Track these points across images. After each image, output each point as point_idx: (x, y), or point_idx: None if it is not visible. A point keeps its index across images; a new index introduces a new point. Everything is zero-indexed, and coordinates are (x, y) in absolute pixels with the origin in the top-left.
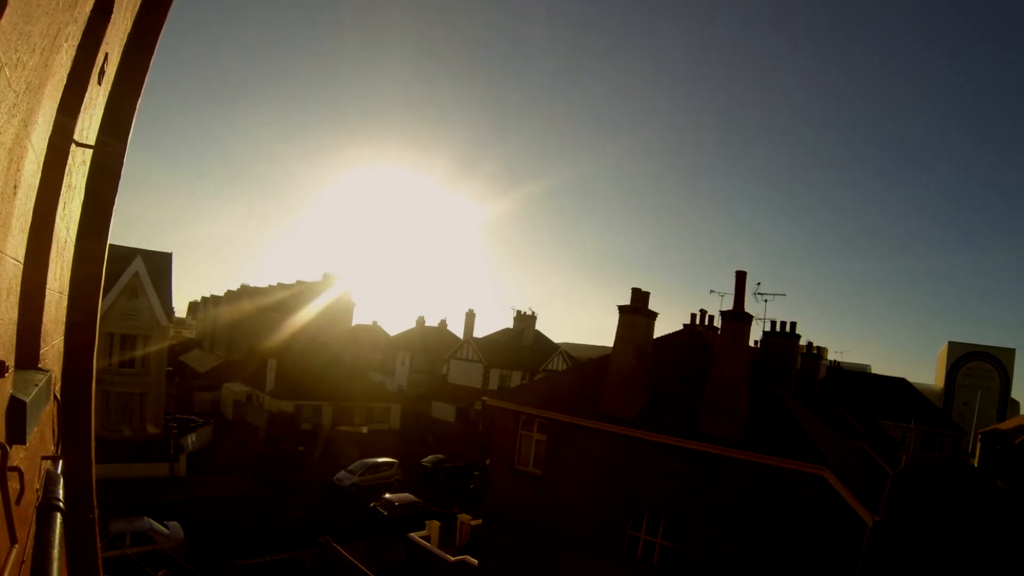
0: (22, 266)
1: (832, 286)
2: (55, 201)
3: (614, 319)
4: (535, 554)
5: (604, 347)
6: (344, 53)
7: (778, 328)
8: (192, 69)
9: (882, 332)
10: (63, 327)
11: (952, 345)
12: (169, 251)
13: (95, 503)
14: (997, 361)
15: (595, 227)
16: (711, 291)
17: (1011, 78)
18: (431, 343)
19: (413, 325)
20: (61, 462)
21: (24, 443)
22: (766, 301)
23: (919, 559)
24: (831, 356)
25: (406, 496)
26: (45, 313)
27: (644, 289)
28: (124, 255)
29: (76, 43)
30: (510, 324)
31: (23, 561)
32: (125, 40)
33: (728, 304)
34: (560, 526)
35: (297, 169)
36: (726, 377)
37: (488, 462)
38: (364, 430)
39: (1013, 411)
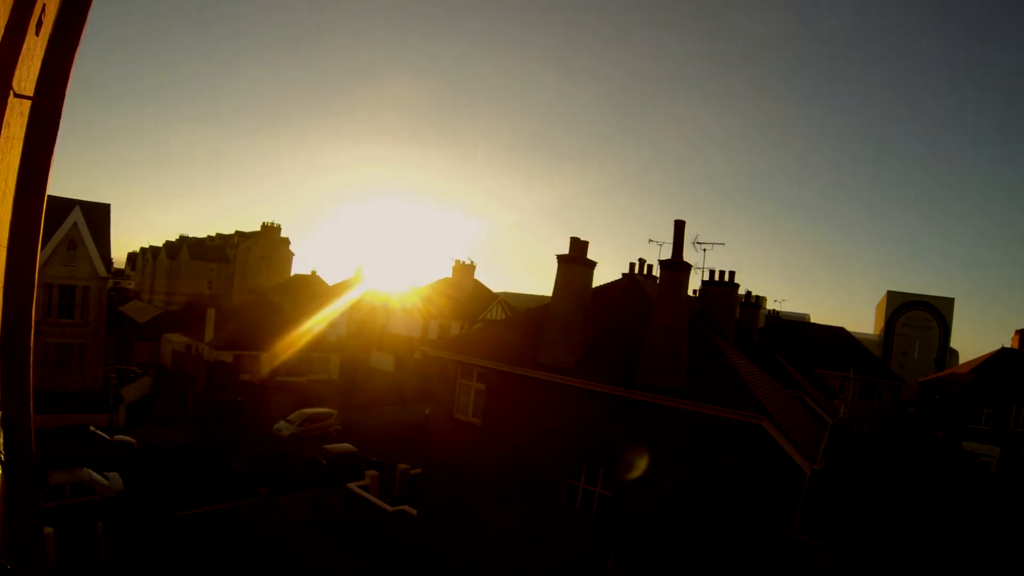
0: None
1: (771, 236)
2: None
3: (553, 269)
4: (474, 503)
5: (543, 297)
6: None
7: (717, 277)
8: (128, 14)
9: (821, 282)
10: (1, 279)
11: (891, 294)
12: (108, 202)
13: (35, 454)
14: (936, 311)
15: (535, 177)
16: (650, 240)
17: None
18: (370, 293)
19: (352, 275)
20: (1, 413)
21: None
22: (704, 250)
23: (857, 508)
24: (770, 305)
25: (345, 446)
26: None
27: (583, 239)
28: (62, 206)
29: None
30: (449, 273)
31: None
32: None
33: (667, 253)
34: (499, 475)
35: (235, 117)
36: (665, 326)
37: (428, 412)
38: (303, 380)
39: (952, 361)
